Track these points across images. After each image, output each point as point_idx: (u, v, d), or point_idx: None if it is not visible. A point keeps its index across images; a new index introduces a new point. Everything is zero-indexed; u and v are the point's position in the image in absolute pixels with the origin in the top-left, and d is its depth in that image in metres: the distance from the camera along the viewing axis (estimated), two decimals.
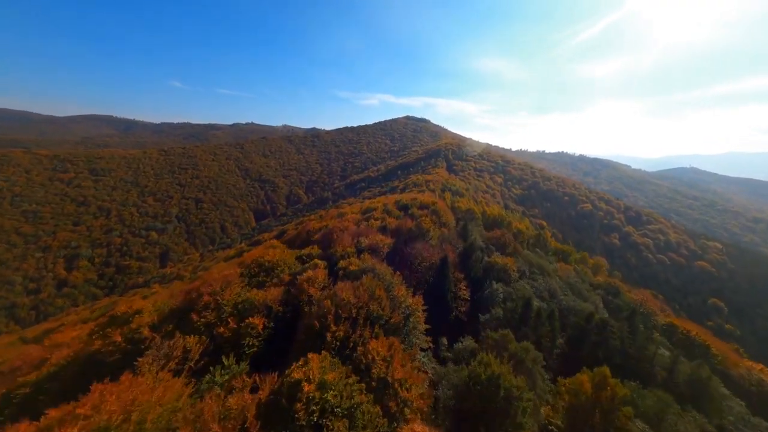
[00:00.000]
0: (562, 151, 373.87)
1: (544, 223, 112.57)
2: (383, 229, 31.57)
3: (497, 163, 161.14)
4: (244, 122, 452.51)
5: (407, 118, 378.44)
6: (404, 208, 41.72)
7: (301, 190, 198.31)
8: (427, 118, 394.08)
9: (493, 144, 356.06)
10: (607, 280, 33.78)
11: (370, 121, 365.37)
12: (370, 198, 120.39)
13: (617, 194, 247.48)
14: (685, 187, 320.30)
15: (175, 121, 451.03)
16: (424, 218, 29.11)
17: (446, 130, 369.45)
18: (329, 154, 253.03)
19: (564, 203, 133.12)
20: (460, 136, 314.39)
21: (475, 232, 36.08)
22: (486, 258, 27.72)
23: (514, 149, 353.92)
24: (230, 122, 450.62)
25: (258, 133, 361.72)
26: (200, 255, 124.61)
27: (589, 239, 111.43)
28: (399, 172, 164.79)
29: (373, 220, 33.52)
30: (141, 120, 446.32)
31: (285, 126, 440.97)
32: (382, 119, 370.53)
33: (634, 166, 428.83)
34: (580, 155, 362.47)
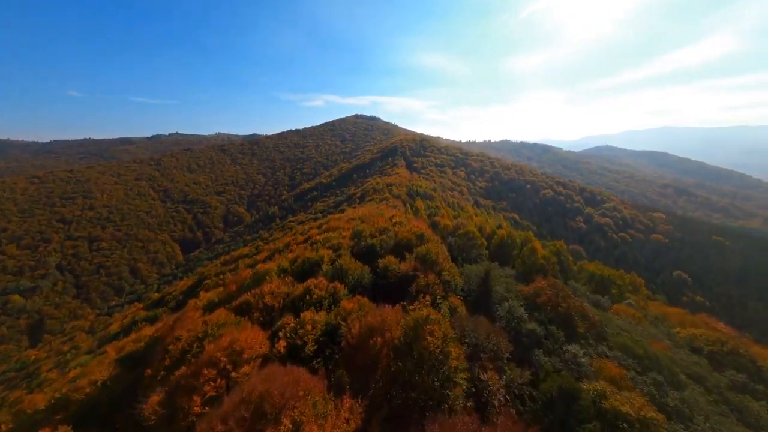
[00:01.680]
0: (506, 139, 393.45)
1: (515, 218, 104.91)
2: (331, 340, 13.18)
3: (456, 157, 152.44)
4: (166, 133, 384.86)
5: (356, 116, 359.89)
6: (369, 253, 23.67)
7: (242, 207, 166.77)
8: (377, 116, 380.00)
9: (444, 137, 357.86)
10: (715, 335, 21.47)
11: (316, 123, 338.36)
12: (323, 212, 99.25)
13: (560, 175, 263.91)
14: (607, 163, 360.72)
15: (73, 138, 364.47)
16: (422, 317, 11.52)
17: (398, 126, 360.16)
18: (273, 162, 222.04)
19: (527, 192, 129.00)
20: (413, 132, 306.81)
21: (499, 286, 19.85)
22: (583, 399, 11.63)
23: (464, 141, 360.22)
24: (149, 134, 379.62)
25: (184, 144, 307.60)
26: (96, 315, 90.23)
27: (561, 227, 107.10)
28: (355, 175, 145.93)
29: (310, 316, 14.72)
30: (20, 140, 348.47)
31: (219, 134, 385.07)
32: (330, 120, 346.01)
33: (563, 148, 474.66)
34: (522, 142, 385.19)
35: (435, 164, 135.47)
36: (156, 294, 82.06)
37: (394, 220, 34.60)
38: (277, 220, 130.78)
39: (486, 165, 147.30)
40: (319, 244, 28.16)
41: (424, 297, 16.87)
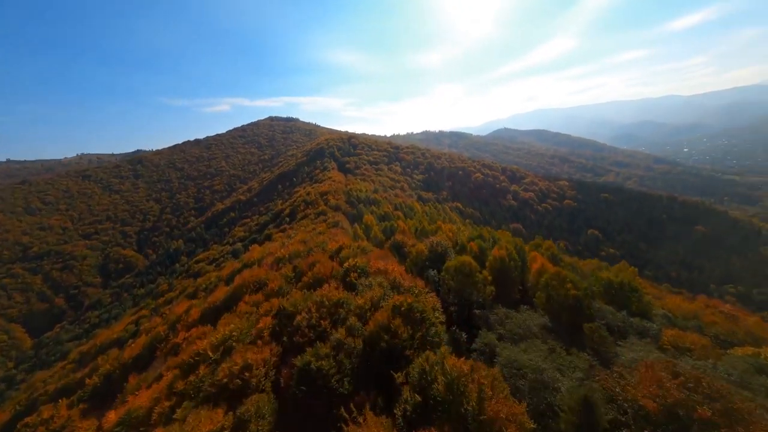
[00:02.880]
0: (426, 130, 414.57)
1: (459, 207, 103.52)
2: None
3: (388, 152, 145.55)
4: None
5: (271, 119, 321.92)
6: (315, 383, 10.46)
7: (129, 249, 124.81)
8: (294, 116, 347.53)
9: (369, 133, 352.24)
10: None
11: (222, 130, 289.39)
12: (244, 240, 77.32)
13: (478, 158, 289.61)
14: (509, 143, 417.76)
15: None
16: None
17: (320, 126, 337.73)
18: (169, 183, 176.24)
19: (460, 178, 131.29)
20: (337, 130, 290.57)
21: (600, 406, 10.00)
22: None
23: (389, 135, 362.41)
24: None
25: (22, 175, 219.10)
26: None
27: (498, 208, 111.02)
28: (280, 186, 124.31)
29: None
30: None
31: (82, 156, 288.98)
32: (240, 125, 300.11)
33: (472, 134, 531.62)
34: (440, 131, 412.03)
35: (369, 162, 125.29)
36: None
37: (346, 264, 21.71)
38: (183, 258, 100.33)
39: (418, 157, 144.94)
40: (207, 375, 13.16)
41: None
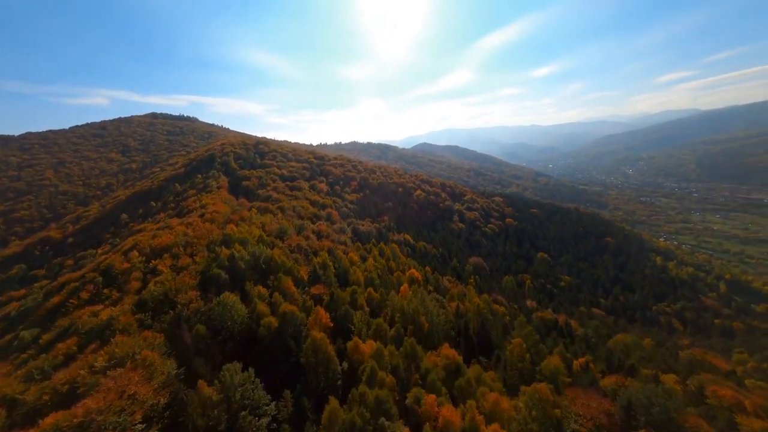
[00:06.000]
0: (354, 141, 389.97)
1: (409, 241, 76.13)
2: None
3: (311, 163, 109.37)
4: None
5: (154, 115, 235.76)
6: None
7: None
8: (195, 117, 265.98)
9: (292, 141, 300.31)
10: None
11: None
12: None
13: (406, 170, 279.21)
14: (431, 156, 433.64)
15: None
16: None
17: (228, 129, 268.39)
18: None
19: (401, 197, 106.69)
20: (249, 135, 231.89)
21: None
22: None
23: (315, 143, 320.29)
24: None
25: None
26: None
27: (449, 234, 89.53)
28: (125, 215, 72.67)
29: None
30: None
31: None
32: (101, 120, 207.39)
33: (398, 146, 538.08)
34: (368, 142, 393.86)
35: (282, 177, 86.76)
36: None
37: None
38: None
39: (350, 170, 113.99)
40: None
41: None
